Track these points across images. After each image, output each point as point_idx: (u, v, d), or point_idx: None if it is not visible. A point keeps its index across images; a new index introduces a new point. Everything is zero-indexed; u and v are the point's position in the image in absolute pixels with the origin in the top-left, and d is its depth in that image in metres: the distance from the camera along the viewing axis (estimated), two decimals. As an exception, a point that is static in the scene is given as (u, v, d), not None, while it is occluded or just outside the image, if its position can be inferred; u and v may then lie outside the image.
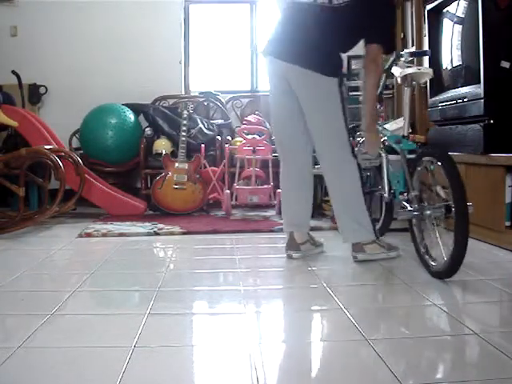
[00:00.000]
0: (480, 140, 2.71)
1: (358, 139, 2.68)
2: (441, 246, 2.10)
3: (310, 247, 2.57)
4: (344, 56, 2.75)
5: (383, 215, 2.79)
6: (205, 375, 1.34)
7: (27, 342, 1.50)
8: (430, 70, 2.53)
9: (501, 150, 2.58)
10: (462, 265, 2.27)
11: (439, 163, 2.11)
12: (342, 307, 1.77)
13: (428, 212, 2.19)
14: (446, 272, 2.04)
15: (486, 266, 2.33)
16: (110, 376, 1.27)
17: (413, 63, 3.92)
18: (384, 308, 1.86)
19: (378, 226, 2.83)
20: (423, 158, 2.26)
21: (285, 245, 2.58)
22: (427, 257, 2.21)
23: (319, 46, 2.32)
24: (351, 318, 1.67)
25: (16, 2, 4.79)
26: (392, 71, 2.61)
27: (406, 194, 2.38)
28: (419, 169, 2.29)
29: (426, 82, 2.79)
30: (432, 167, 2.22)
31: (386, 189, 2.49)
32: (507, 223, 2.56)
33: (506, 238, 2.56)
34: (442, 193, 2.17)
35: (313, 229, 2.73)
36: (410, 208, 2.31)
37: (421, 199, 2.28)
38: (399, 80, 2.52)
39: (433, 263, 2.15)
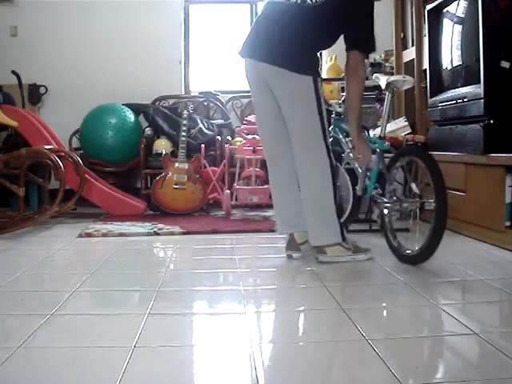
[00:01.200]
0: (480, 140, 2.71)
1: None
2: (416, 234, 2.35)
3: (310, 247, 2.56)
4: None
5: (350, 208, 2.94)
6: (205, 375, 1.34)
7: (27, 342, 1.49)
8: (412, 79, 2.67)
9: (501, 150, 2.58)
10: (462, 265, 2.29)
11: (421, 160, 2.32)
12: (342, 307, 1.77)
13: (406, 204, 2.42)
14: (421, 257, 2.25)
15: (486, 265, 2.33)
16: (110, 376, 1.27)
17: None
18: (384, 308, 1.86)
19: (343, 219, 2.94)
20: (401, 157, 2.46)
21: (285, 245, 2.58)
22: (397, 245, 2.42)
23: (294, 44, 2.30)
24: (351, 318, 1.67)
25: (16, 1, 4.79)
26: (377, 79, 2.72)
27: (378, 189, 2.55)
28: (396, 166, 2.50)
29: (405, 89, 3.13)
30: (408, 165, 2.47)
31: (360, 185, 2.66)
32: (507, 223, 2.56)
33: (506, 237, 2.56)
34: (415, 189, 2.39)
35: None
36: (385, 200, 2.48)
37: (395, 194, 2.50)
38: (383, 86, 2.61)
39: (407, 250, 2.35)
